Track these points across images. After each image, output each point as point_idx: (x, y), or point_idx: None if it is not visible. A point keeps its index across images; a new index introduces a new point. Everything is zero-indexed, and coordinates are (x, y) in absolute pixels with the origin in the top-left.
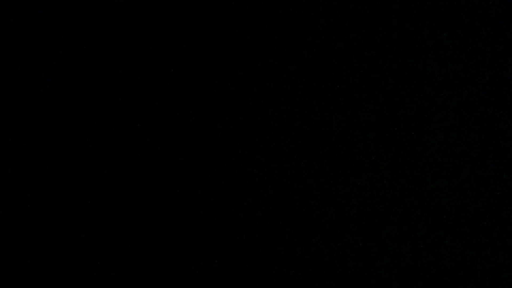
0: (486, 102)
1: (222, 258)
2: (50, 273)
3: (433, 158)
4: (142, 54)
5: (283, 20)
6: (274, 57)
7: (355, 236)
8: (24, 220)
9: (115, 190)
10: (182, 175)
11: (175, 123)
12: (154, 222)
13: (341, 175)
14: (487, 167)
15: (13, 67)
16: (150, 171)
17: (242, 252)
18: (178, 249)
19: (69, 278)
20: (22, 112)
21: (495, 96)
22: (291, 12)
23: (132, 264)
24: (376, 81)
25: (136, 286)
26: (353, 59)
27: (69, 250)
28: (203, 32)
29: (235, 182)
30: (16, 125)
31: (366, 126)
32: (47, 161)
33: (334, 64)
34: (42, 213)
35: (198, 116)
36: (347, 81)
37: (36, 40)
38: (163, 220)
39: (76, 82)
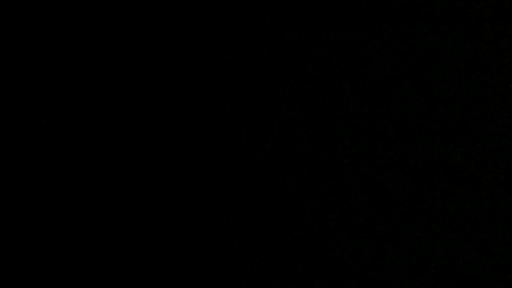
0: (486, 102)
1: (222, 258)
2: (50, 273)
3: (434, 159)
4: (142, 54)
5: (283, 20)
6: (274, 57)
7: (355, 237)
8: (24, 220)
9: (115, 190)
10: (182, 175)
11: (175, 123)
12: (154, 222)
13: (342, 175)
14: (487, 168)
15: (13, 67)
16: (150, 171)
17: (242, 252)
18: (178, 249)
19: (69, 278)
20: (22, 112)
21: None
22: (291, 12)
23: (132, 264)
24: (377, 82)
25: (136, 286)
26: (353, 60)
27: (69, 250)
28: (203, 32)
29: (235, 182)
30: (16, 125)
31: (367, 126)
32: (47, 161)
33: (334, 64)
34: (42, 213)
35: (198, 116)
36: (347, 82)
37: (36, 39)
38: (163, 220)
39: (76, 82)
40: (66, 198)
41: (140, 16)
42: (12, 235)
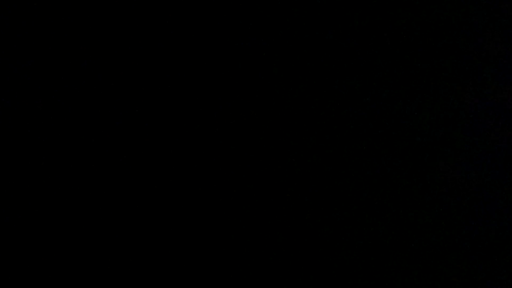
0: (486, 101)
1: (222, 258)
2: (50, 273)
3: (433, 159)
4: (142, 54)
5: (283, 20)
6: (274, 57)
7: (355, 236)
8: (24, 220)
9: (114, 190)
10: (182, 175)
11: (175, 123)
12: (154, 222)
13: (341, 175)
14: (486, 168)
15: (13, 67)
16: (150, 171)
17: (242, 252)
18: (178, 249)
19: (69, 278)
20: (22, 112)
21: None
22: (291, 12)
23: (132, 264)
24: (377, 81)
25: (136, 286)
26: (353, 59)
27: (69, 250)
28: (203, 32)
29: (234, 181)
30: (16, 125)
31: (367, 126)
32: (47, 161)
33: (334, 63)
34: (42, 213)
35: (198, 116)
36: (347, 81)
37: (36, 40)
38: (163, 220)
39: (76, 82)
40: (66, 198)
41: (140, 16)
42: (12, 235)
